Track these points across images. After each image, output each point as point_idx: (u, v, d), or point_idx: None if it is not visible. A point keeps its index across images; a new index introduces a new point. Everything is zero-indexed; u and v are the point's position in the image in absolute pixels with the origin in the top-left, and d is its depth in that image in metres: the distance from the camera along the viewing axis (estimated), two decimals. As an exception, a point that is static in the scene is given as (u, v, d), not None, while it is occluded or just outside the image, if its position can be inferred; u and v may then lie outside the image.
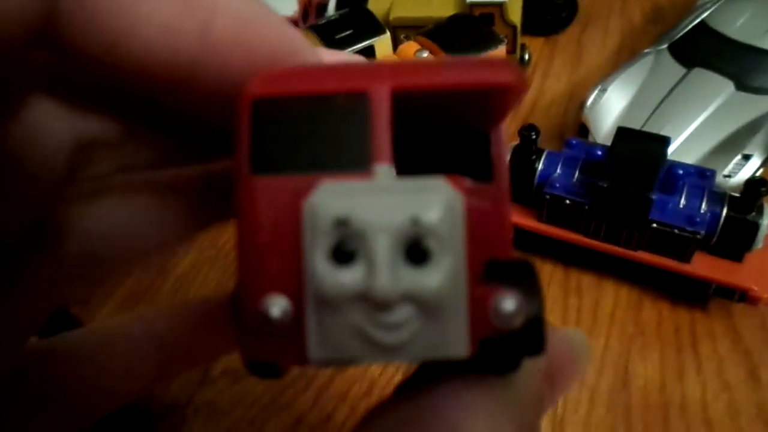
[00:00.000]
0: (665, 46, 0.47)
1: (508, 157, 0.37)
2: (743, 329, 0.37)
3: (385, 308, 0.10)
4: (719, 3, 0.48)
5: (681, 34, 0.47)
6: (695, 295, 0.37)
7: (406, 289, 0.10)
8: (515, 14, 0.46)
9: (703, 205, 0.35)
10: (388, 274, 0.10)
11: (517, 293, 0.11)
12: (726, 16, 0.46)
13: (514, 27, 0.46)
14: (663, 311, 0.38)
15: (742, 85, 0.43)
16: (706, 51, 0.45)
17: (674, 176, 0.35)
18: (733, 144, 0.40)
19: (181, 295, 0.44)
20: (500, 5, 0.45)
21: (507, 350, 0.11)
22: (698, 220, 0.34)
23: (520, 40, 0.48)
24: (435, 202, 0.10)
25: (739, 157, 0.39)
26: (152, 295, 0.44)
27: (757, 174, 0.40)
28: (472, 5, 0.46)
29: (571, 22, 0.59)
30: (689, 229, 0.34)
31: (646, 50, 0.48)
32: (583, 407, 0.35)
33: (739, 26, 0.45)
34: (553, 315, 0.39)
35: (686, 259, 0.35)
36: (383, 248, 0.10)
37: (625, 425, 0.34)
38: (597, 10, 0.61)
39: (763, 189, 0.33)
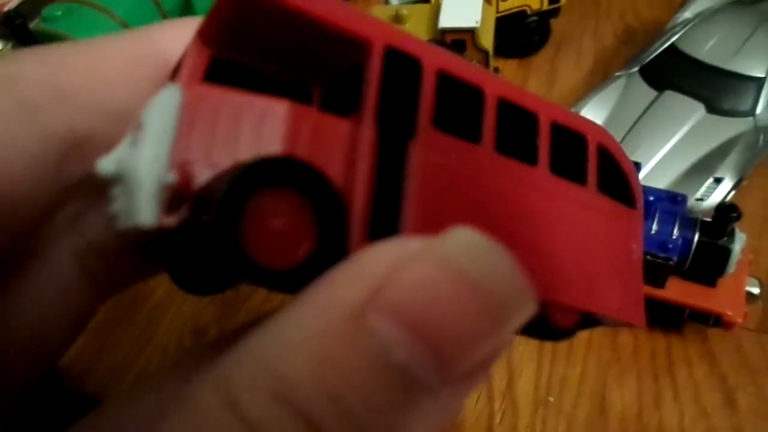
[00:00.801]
0: (636, 69, 0.48)
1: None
2: (719, 353, 0.37)
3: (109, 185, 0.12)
4: (689, 26, 0.48)
5: (652, 57, 0.48)
6: (670, 320, 0.37)
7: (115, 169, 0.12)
8: (487, 40, 0.46)
9: (675, 231, 0.35)
10: (111, 157, 0.12)
11: (214, 171, 0.11)
12: (696, 39, 0.47)
13: (486, 52, 0.47)
14: (639, 336, 0.38)
15: (712, 108, 0.43)
16: (676, 74, 0.46)
17: (645, 202, 0.35)
18: (705, 167, 0.40)
19: (154, 326, 0.44)
20: (471, 31, 0.45)
21: (198, 230, 0.11)
22: (670, 246, 0.34)
23: (492, 63, 0.48)
24: (153, 99, 0.12)
25: (710, 180, 0.40)
26: (126, 326, 0.44)
27: (729, 197, 0.40)
28: (444, 31, 0.46)
29: (544, 45, 0.59)
30: (662, 255, 0.34)
31: (617, 73, 0.48)
32: (561, 437, 0.34)
33: (708, 49, 0.46)
34: (530, 343, 0.38)
35: (660, 284, 0.35)
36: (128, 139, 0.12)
37: (602, 455, 0.33)
38: (570, 32, 0.61)
39: (734, 215, 0.33)
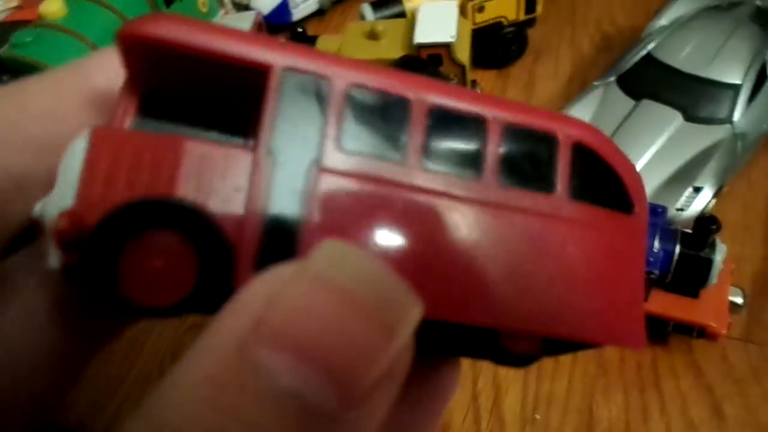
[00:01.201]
0: (614, 78, 0.48)
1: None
2: (704, 364, 0.37)
3: None
4: (665, 34, 0.49)
5: (629, 66, 0.48)
6: (655, 332, 0.37)
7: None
8: (463, 53, 0.46)
9: (656, 244, 0.34)
10: (42, 201, 0.13)
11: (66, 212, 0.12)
12: (671, 47, 0.47)
13: (462, 66, 0.46)
14: (624, 350, 0.38)
15: (690, 116, 0.43)
16: (653, 83, 0.46)
17: (626, 215, 0.35)
18: (684, 176, 0.40)
19: (135, 353, 0.43)
20: (447, 46, 0.45)
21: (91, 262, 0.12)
22: (652, 259, 0.34)
23: (469, 76, 0.48)
24: (68, 145, 0.12)
25: (690, 189, 0.39)
26: (107, 354, 0.43)
27: (710, 205, 0.40)
28: (420, 47, 0.45)
29: (522, 55, 0.59)
30: (643, 268, 0.34)
31: (595, 83, 0.48)
32: (549, 455, 0.34)
33: (684, 57, 0.46)
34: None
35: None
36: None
37: (591, 472, 0.33)
38: (547, 41, 0.62)
39: (713, 227, 0.33)
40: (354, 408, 0.10)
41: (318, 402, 0.09)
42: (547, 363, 0.38)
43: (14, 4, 0.81)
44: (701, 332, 0.35)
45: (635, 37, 0.55)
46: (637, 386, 0.36)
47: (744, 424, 0.34)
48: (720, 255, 0.34)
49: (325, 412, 0.09)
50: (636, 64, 0.47)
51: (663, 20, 0.52)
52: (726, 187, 0.43)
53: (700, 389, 0.36)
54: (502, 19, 0.56)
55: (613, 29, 0.63)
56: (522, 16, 0.56)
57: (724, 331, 0.34)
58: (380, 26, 0.48)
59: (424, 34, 0.46)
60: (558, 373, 0.37)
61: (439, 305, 0.12)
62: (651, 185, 0.41)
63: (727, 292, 0.35)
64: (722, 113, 0.43)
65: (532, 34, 0.60)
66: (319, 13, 0.71)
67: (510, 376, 0.37)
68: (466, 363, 0.38)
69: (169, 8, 0.55)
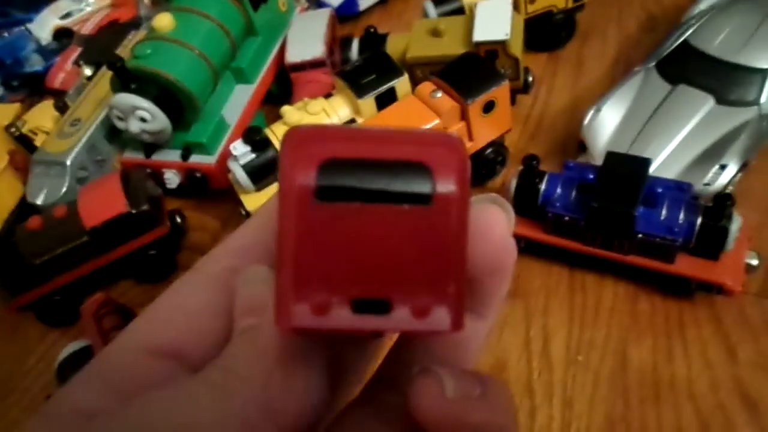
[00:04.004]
0: (653, 64, 0.53)
1: (514, 182, 0.44)
2: (724, 316, 0.43)
3: None
4: (702, 20, 0.53)
5: (667, 52, 0.53)
6: (681, 289, 0.44)
7: None
8: (516, 48, 0.52)
9: (681, 216, 0.41)
10: None
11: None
12: (706, 35, 0.52)
13: (515, 59, 0.53)
14: (655, 303, 0.45)
15: (721, 99, 0.49)
16: (688, 68, 0.51)
17: (655, 193, 0.41)
18: (712, 154, 0.46)
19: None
20: (502, 42, 0.52)
21: None
22: (676, 229, 0.40)
23: (522, 66, 0.54)
24: None
25: (717, 167, 0.45)
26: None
27: (736, 179, 0.46)
28: (478, 44, 0.52)
29: (571, 38, 0.65)
30: (669, 237, 0.41)
31: (636, 69, 0.54)
32: (588, 388, 0.42)
33: (717, 44, 0.51)
34: (561, 311, 0.46)
35: (670, 260, 0.42)
36: None
37: (623, 401, 0.41)
38: (596, 23, 0.67)
39: (728, 202, 0.39)
40: None
41: None
42: (589, 315, 0.45)
43: (107, 2, 0.91)
44: (720, 289, 0.42)
45: (678, 17, 0.60)
46: (665, 334, 0.43)
47: (755, 365, 0.41)
48: (736, 225, 0.40)
49: None
50: (673, 51, 0.53)
51: (702, 5, 0.57)
52: (753, 161, 0.48)
53: (719, 336, 0.42)
54: (553, 8, 0.61)
55: (658, 9, 0.67)
56: (571, 4, 0.62)
57: (739, 289, 0.41)
58: (442, 24, 0.55)
59: (481, 33, 0.52)
60: (598, 323, 0.45)
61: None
62: (683, 163, 0.47)
63: (743, 256, 0.42)
64: (751, 96, 0.48)
65: (581, 16, 0.65)
66: (382, 2, 0.78)
67: (557, 325, 0.45)
68: (519, 314, 0.46)
69: (256, 11, 0.63)
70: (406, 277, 0.13)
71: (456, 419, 0.14)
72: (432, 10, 0.61)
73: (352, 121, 0.51)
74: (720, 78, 0.49)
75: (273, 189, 0.50)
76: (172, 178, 0.58)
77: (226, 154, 0.52)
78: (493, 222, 0.15)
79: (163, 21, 0.56)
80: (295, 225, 0.12)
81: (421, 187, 0.12)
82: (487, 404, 0.14)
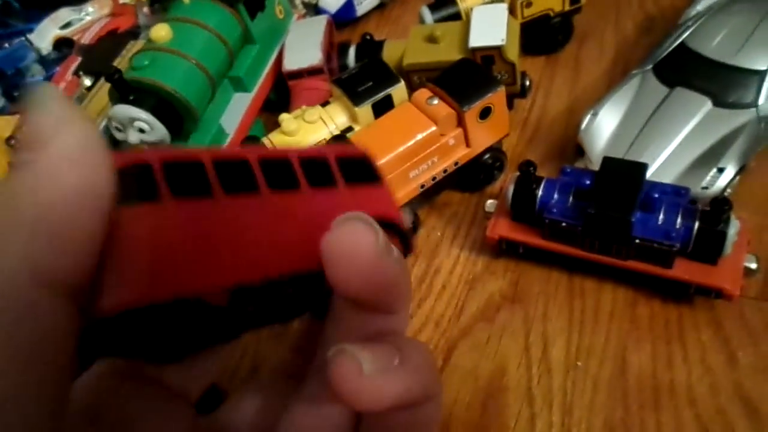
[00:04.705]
0: (650, 66, 0.53)
1: (511, 188, 0.44)
2: (723, 320, 0.43)
3: None
4: (698, 23, 0.53)
5: (664, 55, 0.53)
6: (680, 294, 0.43)
7: None
8: (512, 53, 0.52)
9: (679, 220, 0.41)
10: None
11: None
12: (703, 37, 0.52)
13: (512, 64, 0.53)
14: (655, 308, 0.45)
15: (718, 102, 0.48)
16: (686, 71, 0.51)
17: (652, 197, 0.41)
18: (710, 157, 0.46)
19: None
20: (499, 48, 0.52)
21: None
22: (674, 234, 0.40)
23: (519, 70, 0.54)
24: None
25: (714, 170, 0.45)
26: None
27: (733, 183, 0.46)
28: (474, 50, 0.52)
29: (568, 41, 0.65)
30: (666, 242, 0.40)
31: (633, 71, 0.54)
32: (588, 394, 0.42)
33: (714, 46, 0.50)
34: (560, 317, 0.46)
35: (668, 265, 0.42)
36: None
37: (623, 407, 0.41)
38: (593, 25, 0.66)
39: (726, 206, 0.39)
40: None
41: None
42: (588, 319, 0.45)
43: (106, 11, 0.91)
44: (718, 293, 0.42)
45: (676, 18, 0.60)
46: (664, 339, 0.43)
47: (755, 369, 0.41)
48: (733, 229, 0.40)
49: None
50: (670, 54, 0.52)
51: (699, 6, 0.57)
52: (753, 162, 0.48)
53: (718, 340, 0.42)
54: (549, 12, 0.61)
55: (656, 9, 0.67)
56: (567, 7, 0.62)
57: (737, 293, 0.41)
58: (438, 30, 0.55)
59: (477, 39, 0.52)
60: (597, 329, 0.45)
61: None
62: (680, 166, 0.47)
63: (742, 259, 0.42)
64: (748, 98, 0.48)
65: (578, 20, 0.65)
66: (379, 7, 0.78)
67: (556, 330, 0.45)
68: (518, 320, 0.46)
69: (253, 20, 0.63)
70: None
71: (378, 394, 0.14)
72: (428, 16, 0.61)
73: (350, 129, 0.51)
74: (717, 80, 0.49)
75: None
76: (171, 188, 0.58)
77: (225, 164, 0.52)
78: (358, 241, 0.16)
79: (161, 32, 0.57)
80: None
81: None
82: (405, 370, 0.15)
